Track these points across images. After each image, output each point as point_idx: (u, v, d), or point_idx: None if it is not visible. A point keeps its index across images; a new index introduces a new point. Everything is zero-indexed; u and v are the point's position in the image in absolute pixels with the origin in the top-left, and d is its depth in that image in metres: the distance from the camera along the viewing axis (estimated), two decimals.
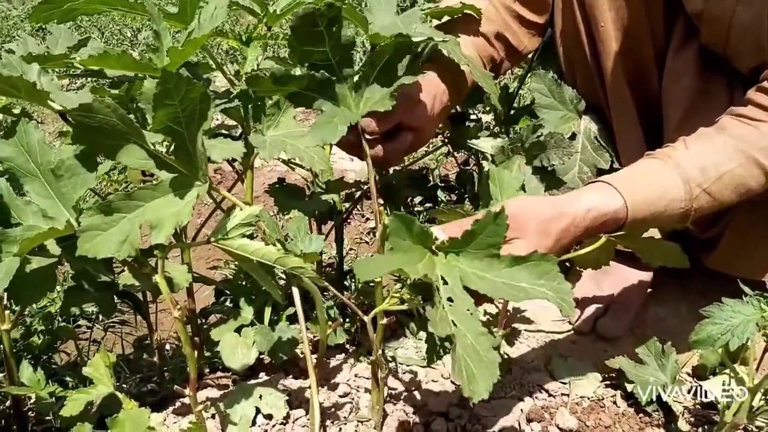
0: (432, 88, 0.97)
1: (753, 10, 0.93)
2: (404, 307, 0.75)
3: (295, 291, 0.83)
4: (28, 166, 0.74)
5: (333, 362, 1.10)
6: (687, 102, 1.07)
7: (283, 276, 0.94)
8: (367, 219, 1.88)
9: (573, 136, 1.17)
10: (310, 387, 0.84)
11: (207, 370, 1.10)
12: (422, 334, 1.08)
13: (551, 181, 1.11)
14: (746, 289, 0.82)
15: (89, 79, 0.93)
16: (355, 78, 0.85)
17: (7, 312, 0.89)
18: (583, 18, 1.13)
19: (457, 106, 1.34)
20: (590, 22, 1.12)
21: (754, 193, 0.91)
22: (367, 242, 1.74)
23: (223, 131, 0.96)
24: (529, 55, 1.40)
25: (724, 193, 0.89)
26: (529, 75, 1.23)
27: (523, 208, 0.81)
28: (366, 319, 0.79)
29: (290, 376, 1.05)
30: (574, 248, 0.94)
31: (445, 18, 1.06)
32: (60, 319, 1.30)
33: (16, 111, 0.90)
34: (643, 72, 1.12)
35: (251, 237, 0.76)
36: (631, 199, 0.87)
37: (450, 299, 0.66)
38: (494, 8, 1.13)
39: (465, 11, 1.04)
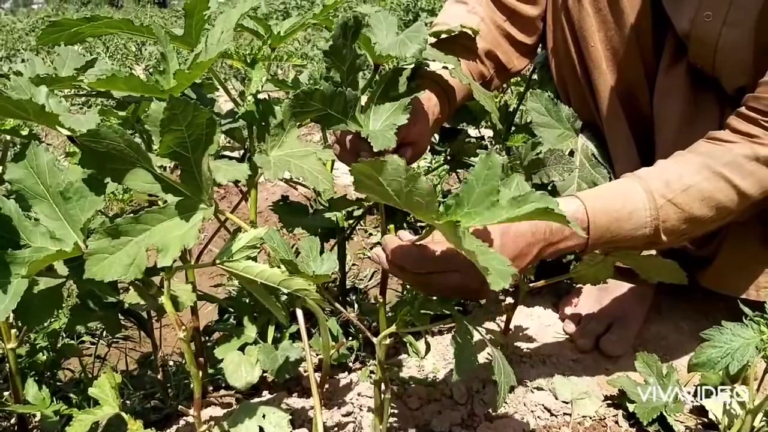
0: (424, 102, 0.99)
1: (738, 31, 0.94)
2: (408, 329, 0.76)
3: (299, 312, 0.83)
4: (37, 188, 0.74)
5: (336, 381, 1.11)
6: (678, 119, 1.08)
7: (286, 294, 0.95)
8: (370, 234, 1.88)
9: (571, 154, 1.18)
10: (313, 406, 0.85)
11: (210, 388, 1.10)
12: (425, 352, 1.08)
13: None
14: (746, 310, 0.83)
15: (94, 97, 0.94)
16: (363, 99, 0.87)
17: (12, 330, 0.90)
18: (573, 38, 1.15)
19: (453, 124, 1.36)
20: (580, 42, 1.13)
21: (730, 209, 0.93)
22: (369, 258, 1.74)
23: (228, 153, 0.97)
24: (527, 73, 1.42)
25: (693, 206, 0.90)
26: (530, 92, 1.25)
27: None
28: (375, 341, 0.79)
29: (294, 395, 1.06)
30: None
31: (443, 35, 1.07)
32: (64, 336, 1.31)
33: (24, 132, 0.91)
34: (634, 90, 1.14)
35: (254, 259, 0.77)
36: (589, 204, 0.89)
37: None
38: (486, 26, 1.15)
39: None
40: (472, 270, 0.81)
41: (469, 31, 1.06)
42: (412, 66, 0.93)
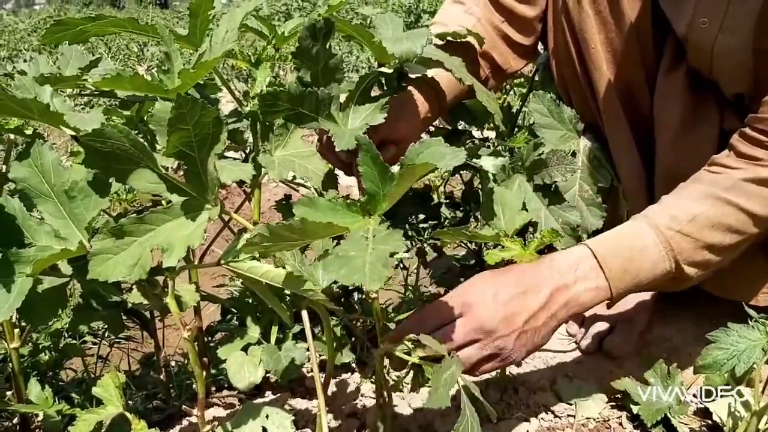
0: (411, 102, 1.00)
1: (734, 38, 0.93)
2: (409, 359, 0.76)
3: (304, 313, 0.83)
4: (41, 187, 0.74)
5: (339, 382, 1.10)
6: (677, 122, 1.08)
7: (290, 295, 0.95)
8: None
9: (573, 155, 1.18)
10: (317, 407, 0.85)
11: (213, 388, 1.10)
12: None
13: (553, 198, 1.12)
14: (752, 313, 0.82)
15: (97, 96, 0.95)
16: (342, 98, 0.87)
17: (15, 330, 0.90)
18: (574, 40, 1.14)
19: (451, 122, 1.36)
20: (580, 44, 1.13)
21: (747, 231, 0.91)
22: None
23: (232, 154, 0.97)
24: (530, 73, 1.42)
25: (704, 233, 0.89)
26: (533, 93, 1.25)
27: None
28: (375, 353, 0.79)
29: (297, 396, 1.06)
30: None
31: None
32: (66, 335, 1.31)
33: (28, 131, 0.91)
34: (634, 92, 1.13)
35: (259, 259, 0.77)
36: (597, 248, 0.88)
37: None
38: (482, 27, 1.14)
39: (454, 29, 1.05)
40: (473, 306, 0.81)
41: (473, 40, 1.06)
42: (395, 67, 0.94)
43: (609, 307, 0.93)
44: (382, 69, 0.92)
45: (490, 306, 0.81)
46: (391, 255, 0.61)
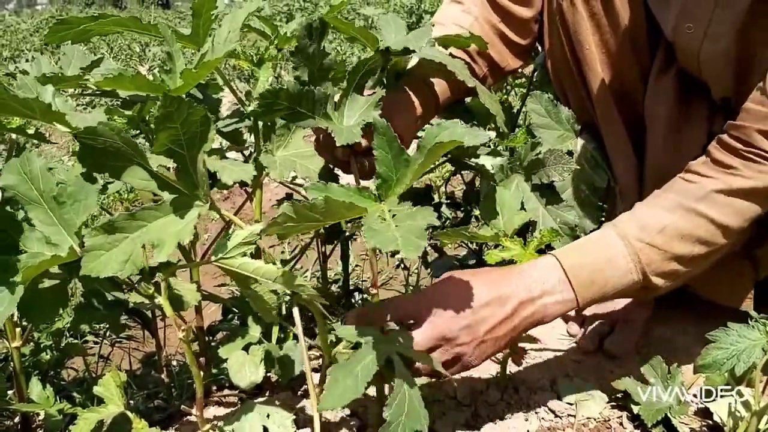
0: (407, 100, 1.00)
1: (719, 45, 0.94)
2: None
3: (295, 311, 0.84)
4: (30, 193, 0.74)
5: None
6: (668, 122, 1.08)
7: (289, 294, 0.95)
8: None
9: (570, 155, 1.18)
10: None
11: (214, 387, 1.10)
12: None
13: (550, 197, 1.13)
14: (752, 312, 0.82)
15: (99, 96, 0.96)
16: (336, 97, 0.88)
17: (17, 329, 0.90)
18: (568, 41, 1.14)
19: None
20: (575, 45, 1.13)
21: (717, 243, 0.91)
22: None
23: (233, 154, 0.97)
24: (529, 73, 1.42)
25: (673, 245, 0.89)
26: (531, 93, 1.25)
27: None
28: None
29: (298, 395, 1.06)
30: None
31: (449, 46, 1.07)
32: (68, 335, 1.31)
33: (30, 131, 0.91)
34: (629, 93, 1.14)
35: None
36: (564, 259, 0.89)
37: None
38: (480, 25, 1.15)
39: (454, 30, 1.06)
40: (438, 312, 0.82)
41: (474, 46, 1.06)
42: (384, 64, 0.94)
43: (577, 313, 0.93)
44: (369, 62, 0.92)
45: (454, 314, 0.83)
46: (427, 228, 0.64)
